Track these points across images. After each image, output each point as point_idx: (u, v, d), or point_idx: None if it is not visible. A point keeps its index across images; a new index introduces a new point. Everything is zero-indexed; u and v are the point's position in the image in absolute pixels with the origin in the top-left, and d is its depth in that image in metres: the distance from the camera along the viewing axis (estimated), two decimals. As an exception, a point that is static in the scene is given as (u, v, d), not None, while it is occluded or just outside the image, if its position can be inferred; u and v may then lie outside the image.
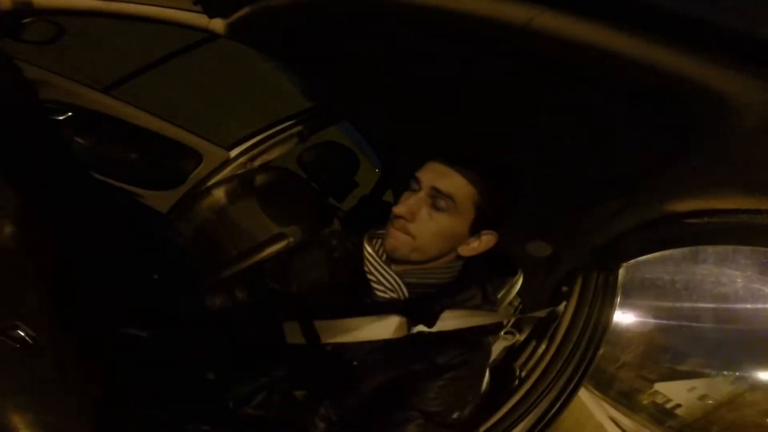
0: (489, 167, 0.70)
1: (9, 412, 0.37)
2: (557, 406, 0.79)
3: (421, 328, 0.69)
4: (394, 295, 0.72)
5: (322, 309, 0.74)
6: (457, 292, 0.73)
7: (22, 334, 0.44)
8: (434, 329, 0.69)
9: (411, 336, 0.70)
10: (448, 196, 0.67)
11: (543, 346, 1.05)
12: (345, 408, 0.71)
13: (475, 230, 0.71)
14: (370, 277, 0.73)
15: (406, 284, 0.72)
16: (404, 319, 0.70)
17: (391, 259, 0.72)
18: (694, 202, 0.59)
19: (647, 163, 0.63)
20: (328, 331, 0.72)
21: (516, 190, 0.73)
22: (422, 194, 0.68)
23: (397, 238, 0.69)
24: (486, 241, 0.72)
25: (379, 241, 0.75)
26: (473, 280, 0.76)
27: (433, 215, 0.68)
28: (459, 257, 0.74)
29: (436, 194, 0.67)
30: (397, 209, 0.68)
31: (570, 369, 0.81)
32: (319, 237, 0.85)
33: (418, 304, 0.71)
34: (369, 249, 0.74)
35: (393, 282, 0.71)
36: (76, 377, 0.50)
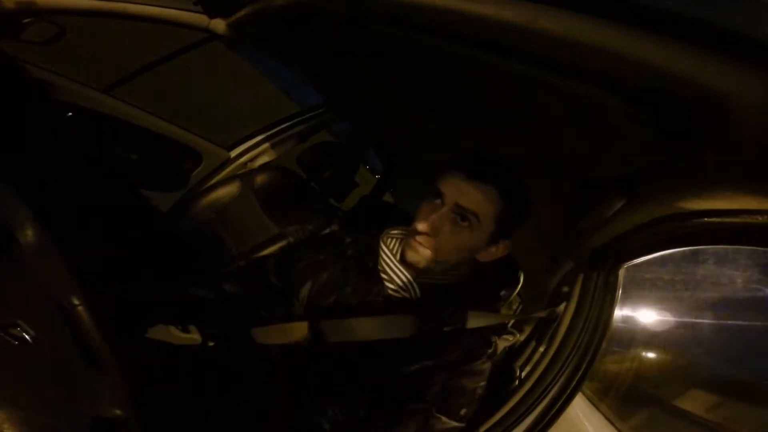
0: (511, 182, 0.70)
1: (8, 412, 0.37)
2: (557, 406, 0.79)
3: (432, 326, 0.70)
4: (406, 294, 0.73)
5: (333, 308, 0.75)
6: (467, 293, 0.75)
7: (22, 332, 0.44)
8: (445, 328, 0.70)
9: (422, 334, 0.71)
10: (472, 213, 0.67)
11: (543, 347, 1.05)
12: (353, 407, 0.71)
13: (493, 241, 0.72)
14: (383, 276, 0.74)
15: (419, 284, 0.73)
16: (416, 318, 0.71)
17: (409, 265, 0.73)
18: (694, 202, 0.59)
19: (647, 163, 0.63)
20: (338, 329, 0.72)
21: (530, 200, 0.73)
22: (445, 210, 0.68)
23: (418, 252, 0.70)
24: (503, 247, 0.74)
25: (394, 240, 0.76)
26: (481, 280, 0.78)
27: (456, 231, 0.68)
28: (472, 259, 0.75)
29: (459, 211, 0.67)
30: (421, 226, 0.68)
31: (570, 369, 0.81)
32: (331, 235, 0.85)
33: (430, 304, 0.72)
34: (385, 248, 0.75)
35: (406, 282, 0.72)
36: (74, 377, 0.50)
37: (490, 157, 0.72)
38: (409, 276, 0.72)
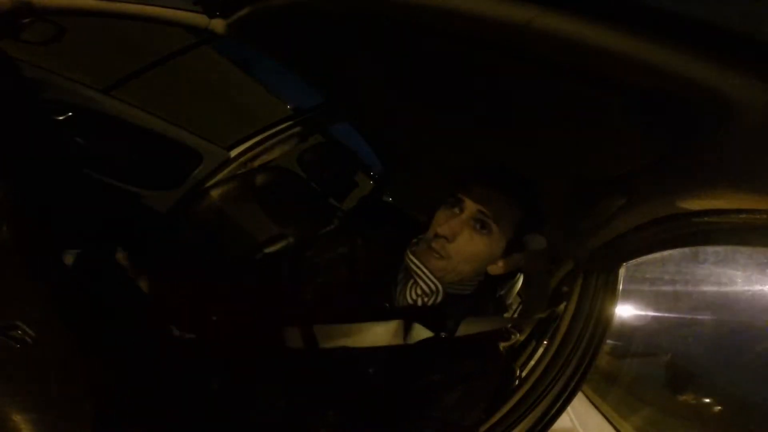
0: (530, 196, 0.71)
1: (9, 412, 0.37)
2: (557, 406, 0.79)
3: (439, 334, 0.69)
4: (426, 299, 0.71)
5: (337, 311, 0.73)
6: (474, 300, 0.73)
7: (22, 333, 0.44)
8: (451, 336, 0.69)
9: (429, 344, 0.70)
10: (493, 220, 0.67)
11: (543, 346, 1.05)
12: (355, 417, 0.70)
13: (507, 252, 0.71)
14: (418, 280, 0.71)
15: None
16: (424, 326, 0.69)
17: None
18: (694, 202, 0.59)
19: (647, 164, 0.63)
20: (342, 335, 0.71)
21: (544, 215, 0.73)
22: (465, 216, 0.67)
23: (433, 261, 0.68)
24: (515, 260, 0.72)
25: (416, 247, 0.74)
26: (488, 287, 0.76)
27: (474, 238, 0.67)
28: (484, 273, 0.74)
29: (481, 217, 0.67)
30: (441, 229, 0.67)
31: (570, 369, 0.81)
32: (336, 236, 0.83)
33: (438, 311, 0.71)
34: (414, 258, 0.72)
35: (432, 285, 0.70)
36: (76, 376, 0.50)
37: (510, 171, 0.72)
38: (435, 279, 0.70)
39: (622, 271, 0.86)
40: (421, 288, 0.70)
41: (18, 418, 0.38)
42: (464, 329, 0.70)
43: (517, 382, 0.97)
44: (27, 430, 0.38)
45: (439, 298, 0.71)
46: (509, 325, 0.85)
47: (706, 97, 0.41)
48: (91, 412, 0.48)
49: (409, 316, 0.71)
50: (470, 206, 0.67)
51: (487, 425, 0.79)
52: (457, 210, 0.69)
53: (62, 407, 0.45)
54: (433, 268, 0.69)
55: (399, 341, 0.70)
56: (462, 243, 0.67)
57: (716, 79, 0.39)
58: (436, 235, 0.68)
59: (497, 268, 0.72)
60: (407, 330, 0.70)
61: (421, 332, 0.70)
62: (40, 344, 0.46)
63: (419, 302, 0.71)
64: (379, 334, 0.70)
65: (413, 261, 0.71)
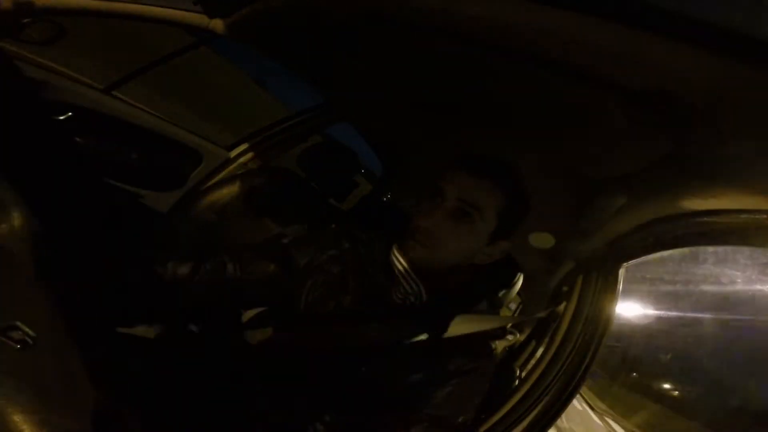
0: (512, 177, 0.70)
1: (12, 413, 0.37)
2: (557, 406, 0.79)
3: (431, 333, 0.69)
4: (413, 299, 0.71)
5: (332, 313, 0.73)
6: (467, 299, 0.73)
7: (22, 334, 0.44)
8: (444, 335, 0.69)
9: (421, 342, 0.69)
10: (475, 208, 0.66)
11: (543, 346, 1.05)
12: (350, 415, 0.70)
13: (493, 239, 0.70)
14: (402, 281, 0.71)
15: (427, 291, 0.71)
16: (415, 325, 0.70)
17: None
18: (694, 202, 0.59)
19: (647, 164, 0.63)
20: (337, 336, 0.71)
21: (530, 199, 0.72)
22: (447, 206, 0.67)
23: (417, 251, 0.68)
24: (501, 248, 0.72)
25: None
26: (480, 284, 0.76)
27: (457, 227, 0.67)
28: (472, 264, 0.73)
29: (462, 205, 0.66)
30: (423, 222, 0.67)
31: (570, 369, 0.81)
32: (329, 237, 0.82)
33: (430, 310, 0.70)
34: (399, 256, 0.72)
35: (413, 285, 0.70)
36: (78, 376, 0.50)
37: (490, 156, 0.71)
38: (418, 281, 0.70)
39: (622, 271, 0.86)
40: (404, 288, 0.70)
41: (18, 419, 0.38)
42: (456, 328, 0.70)
43: (517, 382, 0.97)
44: (28, 431, 0.38)
45: (424, 298, 0.71)
46: (507, 325, 0.84)
47: (706, 98, 0.42)
48: (93, 412, 0.48)
49: (401, 315, 0.71)
50: (450, 195, 0.67)
51: (487, 425, 0.79)
52: (438, 200, 0.68)
53: (63, 407, 0.45)
54: (417, 259, 0.68)
55: (391, 341, 0.70)
56: (445, 234, 0.67)
57: (716, 79, 0.39)
58: (418, 228, 0.67)
59: (484, 257, 0.72)
60: (399, 329, 0.70)
61: (412, 332, 0.70)
62: (40, 344, 0.46)
63: (407, 303, 0.71)
64: (371, 334, 0.70)
65: (397, 258, 0.71)
